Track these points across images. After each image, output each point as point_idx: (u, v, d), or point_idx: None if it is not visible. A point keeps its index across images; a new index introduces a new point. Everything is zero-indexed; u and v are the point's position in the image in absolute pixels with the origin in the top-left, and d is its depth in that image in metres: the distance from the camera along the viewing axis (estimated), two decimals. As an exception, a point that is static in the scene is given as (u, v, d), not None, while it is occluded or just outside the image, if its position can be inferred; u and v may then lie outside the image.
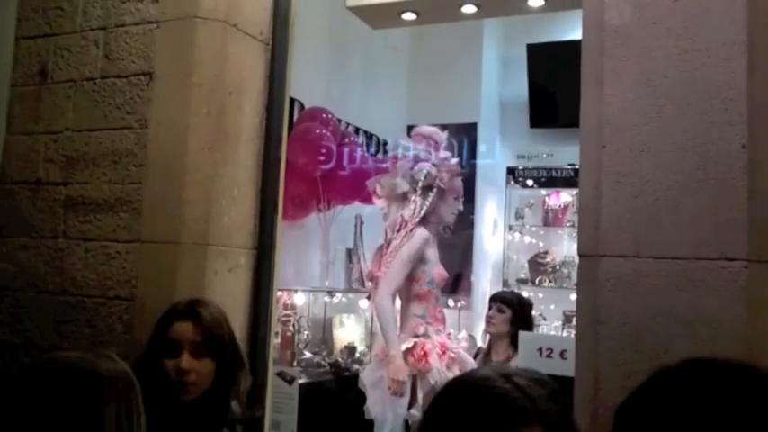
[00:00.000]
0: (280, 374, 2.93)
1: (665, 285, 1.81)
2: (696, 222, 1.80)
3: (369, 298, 4.22)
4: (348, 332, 5.09)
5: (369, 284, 4.19)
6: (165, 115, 2.62)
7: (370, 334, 4.99)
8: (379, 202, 4.03)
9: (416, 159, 3.88)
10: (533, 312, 5.69)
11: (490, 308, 4.13)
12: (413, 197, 3.83)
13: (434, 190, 3.85)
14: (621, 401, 1.05)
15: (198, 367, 2.04)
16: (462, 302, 5.76)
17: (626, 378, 1.82)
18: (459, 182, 4.01)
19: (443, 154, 3.96)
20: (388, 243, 3.88)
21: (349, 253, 5.28)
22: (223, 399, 2.08)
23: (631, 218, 1.87)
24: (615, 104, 1.91)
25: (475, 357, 4.13)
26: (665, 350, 1.78)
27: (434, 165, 3.88)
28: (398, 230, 3.83)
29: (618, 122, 1.91)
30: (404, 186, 3.85)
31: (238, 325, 2.67)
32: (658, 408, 0.98)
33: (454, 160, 4.00)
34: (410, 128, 4.77)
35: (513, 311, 3.99)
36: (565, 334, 5.24)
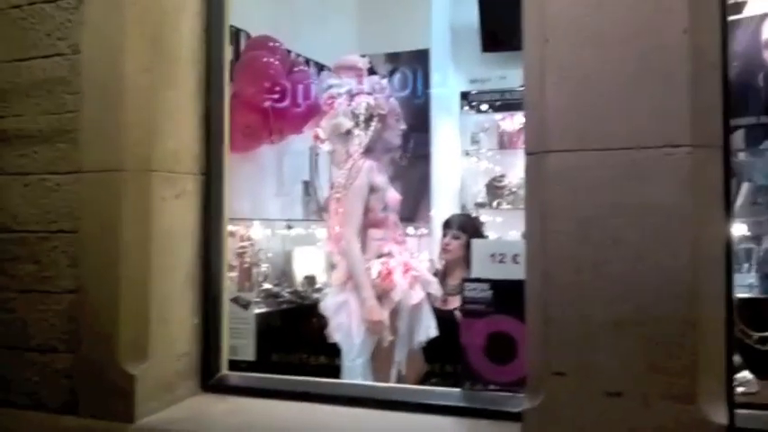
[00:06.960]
0: (235, 300, 2.91)
1: (611, 177, 1.80)
2: (640, 112, 1.78)
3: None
4: (308, 264, 5.07)
5: (325, 215, 4.17)
6: (97, 39, 2.52)
7: (330, 265, 4.97)
8: (326, 145, 4.01)
9: (351, 94, 3.85)
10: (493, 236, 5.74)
11: (445, 234, 4.10)
12: (356, 131, 3.80)
13: (375, 119, 3.83)
14: None
15: None
16: (423, 230, 5.76)
17: (575, 272, 1.82)
18: (394, 102, 3.98)
19: (373, 79, 3.93)
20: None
21: (306, 185, 5.22)
22: None
23: (575, 111, 1.84)
24: (556, -4, 1.87)
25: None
26: (614, 241, 1.78)
27: (369, 93, 3.85)
28: (345, 162, 3.82)
29: (560, 15, 1.87)
30: (347, 124, 3.82)
31: (190, 252, 2.63)
32: None
33: (384, 81, 3.97)
34: (362, 57, 4.68)
35: (468, 236, 3.98)
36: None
